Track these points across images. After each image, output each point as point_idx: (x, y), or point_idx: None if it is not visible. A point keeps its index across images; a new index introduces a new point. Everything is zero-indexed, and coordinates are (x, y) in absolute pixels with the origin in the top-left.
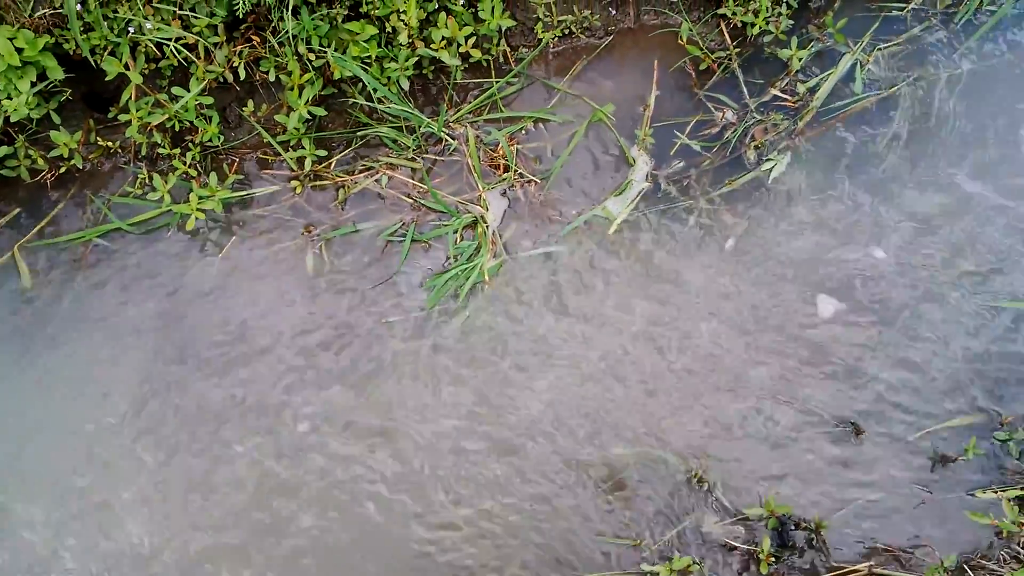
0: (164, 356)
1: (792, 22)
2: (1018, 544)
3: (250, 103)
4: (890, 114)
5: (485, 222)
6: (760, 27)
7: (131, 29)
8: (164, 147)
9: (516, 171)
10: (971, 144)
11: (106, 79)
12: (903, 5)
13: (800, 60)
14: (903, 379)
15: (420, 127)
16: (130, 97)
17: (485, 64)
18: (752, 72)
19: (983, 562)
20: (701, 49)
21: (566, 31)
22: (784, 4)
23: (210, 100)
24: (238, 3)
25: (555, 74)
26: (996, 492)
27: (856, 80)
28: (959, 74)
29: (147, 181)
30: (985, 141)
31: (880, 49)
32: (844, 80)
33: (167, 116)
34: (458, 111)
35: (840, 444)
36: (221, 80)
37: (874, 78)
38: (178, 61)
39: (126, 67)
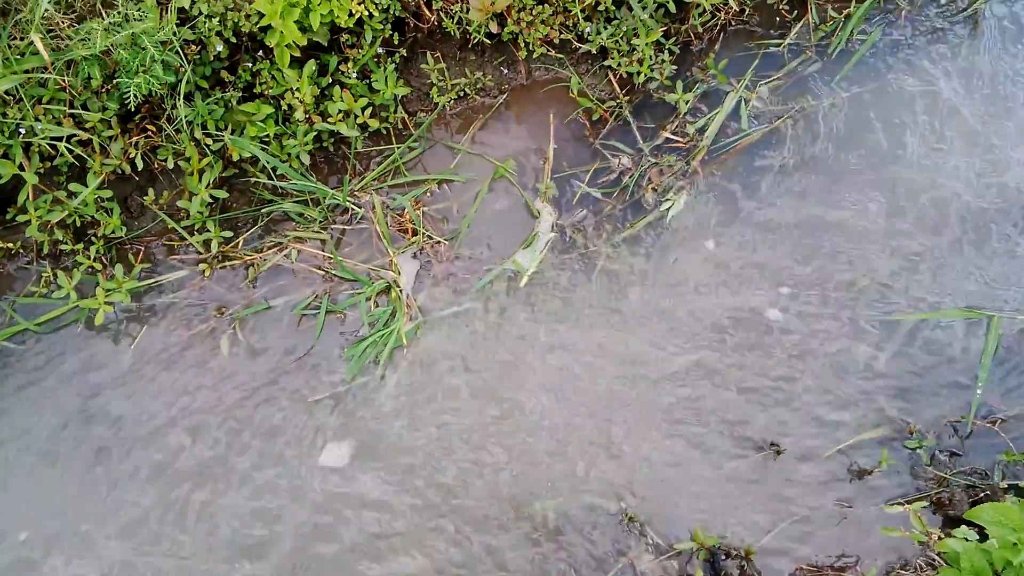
0: (81, 459)
1: (675, 67)
2: (932, 551)
3: (151, 191)
4: (777, 146)
5: (398, 286)
6: (645, 75)
7: (22, 131)
8: (67, 243)
9: (424, 234)
10: (855, 167)
11: (1, 181)
12: (779, 41)
13: (687, 102)
14: (815, 398)
15: (325, 199)
16: (27, 197)
17: (385, 131)
18: (643, 117)
19: (903, 572)
20: (592, 100)
21: (461, 93)
22: (666, 51)
23: (109, 193)
24: (129, 96)
25: (455, 135)
26: (903, 505)
27: (742, 116)
28: (838, 102)
29: (52, 279)
30: (869, 162)
31: (762, 85)
32: (731, 117)
33: (67, 213)
34: (362, 179)
35: (761, 468)
36: (119, 171)
37: (759, 113)
38: (73, 158)
39: (21, 168)
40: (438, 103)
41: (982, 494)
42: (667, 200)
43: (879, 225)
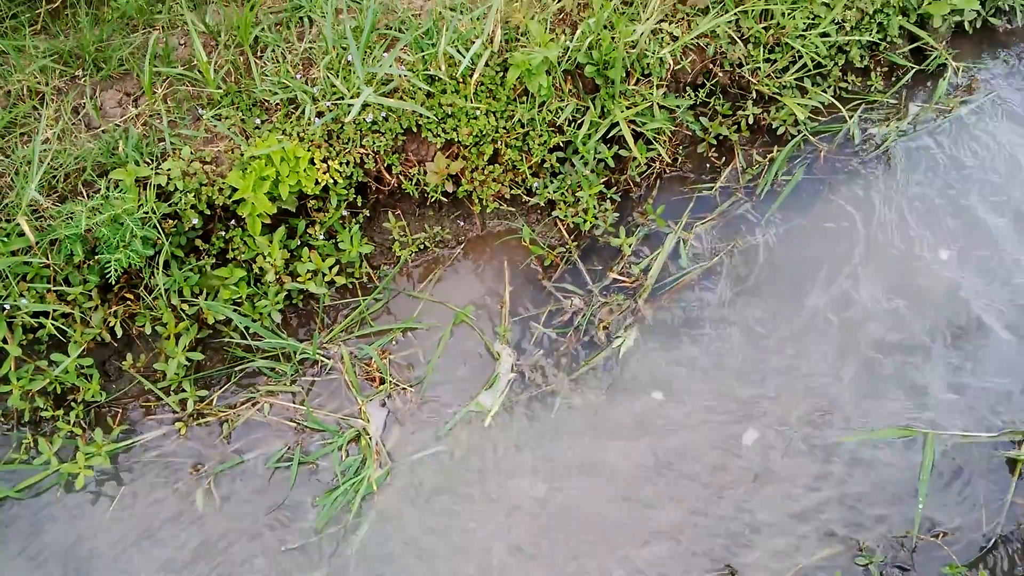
0: None
1: (618, 214)
2: None
3: (129, 356)
4: (716, 281)
5: (368, 434)
6: (591, 222)
7: (6, 306)
8: (47, 410)
9: (392, 381)
10: (787, 298)
11: None
12: (711, 185)
13: (630, 245)
14: (768, 519)
15: (296, 353)
16: (10, 368)
17: (351, 286)
18: (591, 260)
19: None
20: (543, 248)
21: (421, 246)
22: (608, 200)
23: (89, 360)
24: (110, 269)
25: (417, 284)
26: None
27: (681, 256)
28: (768, 239)
29: (32, 445)
30: (799, 293)
31: (698, 226)
32: (671, 257)
33: (48, 381)
34: (330, 332)
35: None
36: (99, 338)
37: (697, 252)
38: (55, 328)
39: (4, 341)
40: (400, 257)
41: None
42: (618, 337)
43: (813, 352)
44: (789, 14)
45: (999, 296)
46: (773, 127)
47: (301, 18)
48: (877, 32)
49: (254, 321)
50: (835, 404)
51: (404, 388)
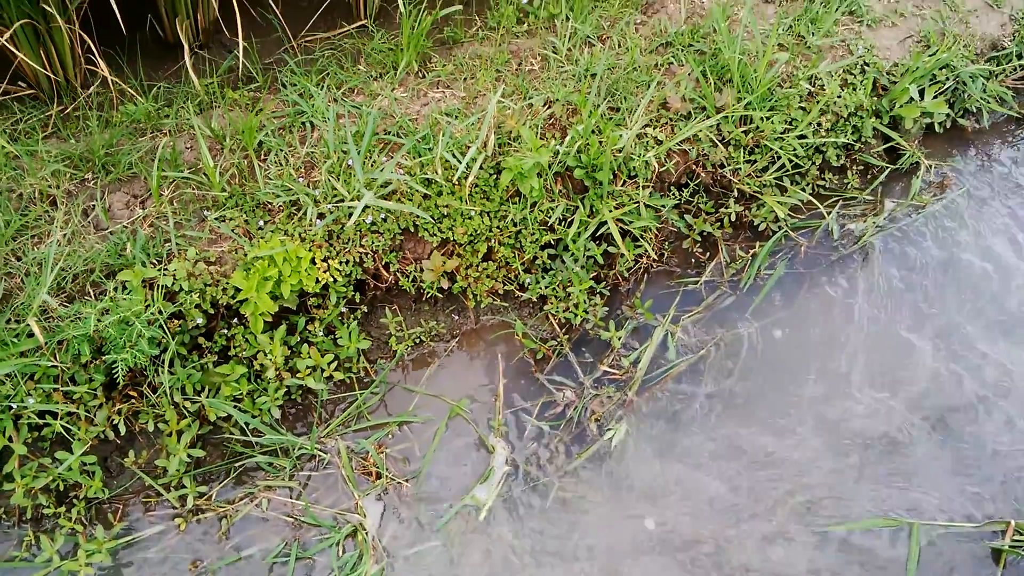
0: None
1: (607, 308)
2: None
3: (131, 453)
4: (703, 373)
5: (364, 529)
6: (581, 316)
7: (13, 406)
8: (49, 507)
9: (388, 476)
10: (772, 392)
11: None
12: (696, 279)
13: (619, 339)
14: None
15: (294, 448)
16: (14, 467)
17: (348, 380)
18: (582, 353)
19: None
20: (535, 342)
21: (417, 340)
22: (598, 294)
23: (93, 458)
24: (117, 368)
25: (412, 377)
26: None
27: (669, 348)
28: (753, 331)
29: (34, 542)
30: (783, 387)
31: (685, 319)
32: (660, 349)
33: (51, 478)
34: (328, 426)
35: None
36: (102, 436)
37: (684, 344)
38: (60, 426)
39: (9, 439)
40: (397, 351)
41: None
42: (610, 429)
43: (802, 444)
44: (767, 119)
45: (978, 384)
46: (755, 223)
47: (303, 123)
48: (852, 134)
49: (254, 417)
50: (822, 494)
51: (400, 482)
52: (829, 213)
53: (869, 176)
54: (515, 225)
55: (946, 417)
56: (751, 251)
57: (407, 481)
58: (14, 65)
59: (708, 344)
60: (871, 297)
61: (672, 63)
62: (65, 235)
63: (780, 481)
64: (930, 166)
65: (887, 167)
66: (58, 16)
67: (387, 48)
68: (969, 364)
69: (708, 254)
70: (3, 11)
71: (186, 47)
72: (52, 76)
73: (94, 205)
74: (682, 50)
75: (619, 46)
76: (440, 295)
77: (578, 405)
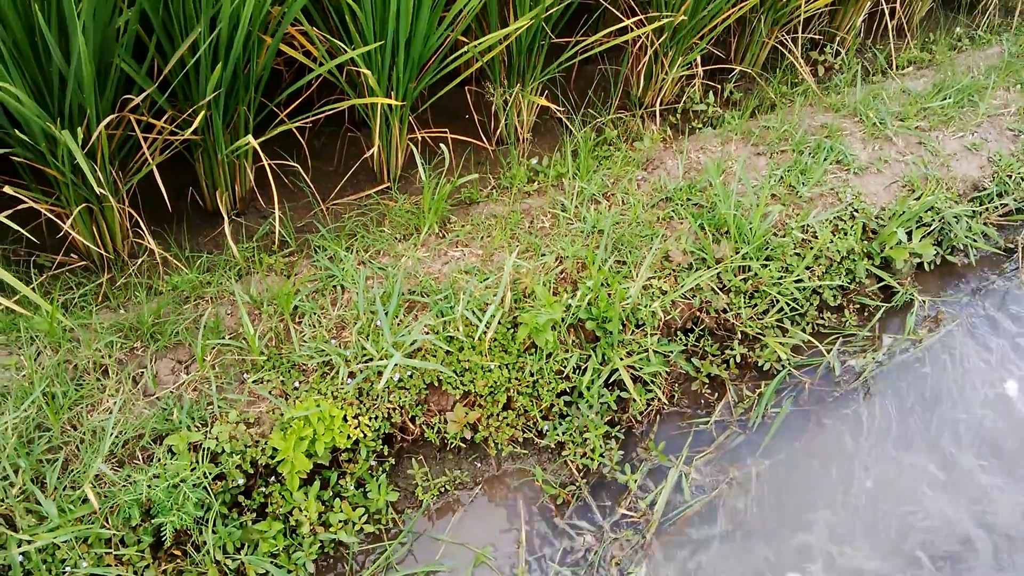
0: None
1: (622, 452)
2: None
3: None
4: (719, 512)
5: None
6: (598, 461)
7: (67, 568)
8: None
9: None
10: (786, 527)
11: None
12: (707, 419)
13: (635, 481)
14: None
15: None
16: None
17: (378, 532)
18: (600, 496)
19: None
20: (554, 487)
21: (442, 489)
22: (613, 438)
23: None
24: (164, 530)
25: (438, 526)
26: None
27: (684, 489)
28: (764, 468)
29: None
30: (795, 522)
31: (697, 459)
32: (675, 490)
33: None
34: None
35: None
36: None
37: (698, 484)
38: None
39: None
40: (423, 500)
41: None
42: (630, 573)
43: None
44: (764, 266)
45: (987, 513)
46: (759, 364)
47: (335, 286)
48: (846, 276)
49: (289, 572)
50: None
51: None
52: (830, 351)
53: (866, 313)
54: (532, 375)
55: (956, 549)
56: (757, 390)
57: None
58: (68, 240)
59: (721, 483)
60: (875, 430)
61: (672, 217)
62: (117, 403)
63: None
64: (923, 302)
65: (882, 305)
66: (111, 197)
67: (408, 212)
68: (980, 492)
69: (716, 394)
70: (63, 196)
71: (225, 217)
72: (103, 252)
73: (143, 372)
74: (681, 205)
75: (623, 203)
76: (463, 444)
77: (598, 549)
